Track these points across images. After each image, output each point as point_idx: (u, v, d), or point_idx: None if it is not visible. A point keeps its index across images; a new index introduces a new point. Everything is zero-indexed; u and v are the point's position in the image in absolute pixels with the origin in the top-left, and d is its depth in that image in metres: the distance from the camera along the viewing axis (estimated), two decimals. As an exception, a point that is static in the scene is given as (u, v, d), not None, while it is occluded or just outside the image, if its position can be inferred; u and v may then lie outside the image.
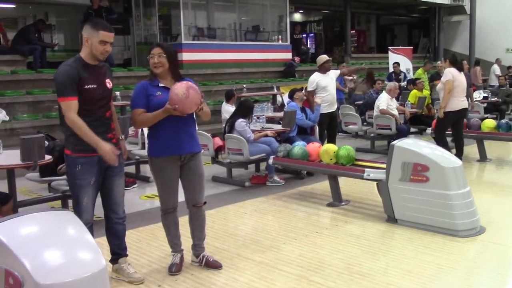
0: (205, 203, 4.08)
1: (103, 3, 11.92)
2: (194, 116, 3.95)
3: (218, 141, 7.26)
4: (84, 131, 3.45)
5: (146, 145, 4.05)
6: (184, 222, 4.18)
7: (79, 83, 3.45)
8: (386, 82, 13.37)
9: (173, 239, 4.07)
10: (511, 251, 4.46)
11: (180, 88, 3.57)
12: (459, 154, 7.49)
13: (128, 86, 10.96)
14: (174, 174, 3.86)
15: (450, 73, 7.29)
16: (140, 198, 6.52)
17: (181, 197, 4.04)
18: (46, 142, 5.27)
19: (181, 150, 3.81)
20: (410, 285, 3.71)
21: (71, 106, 3.44)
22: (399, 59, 14.88)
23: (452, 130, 7.76)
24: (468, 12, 20.04)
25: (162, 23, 13.54)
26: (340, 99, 11.41)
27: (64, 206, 5.36)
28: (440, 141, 7.43)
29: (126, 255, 3.95)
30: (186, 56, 12.74)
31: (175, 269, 3.97)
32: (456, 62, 7.56)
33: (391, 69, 14.93)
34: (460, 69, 7.56)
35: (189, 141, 3.84)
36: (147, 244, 4.67)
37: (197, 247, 4.12)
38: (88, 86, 3.49)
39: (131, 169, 7.41)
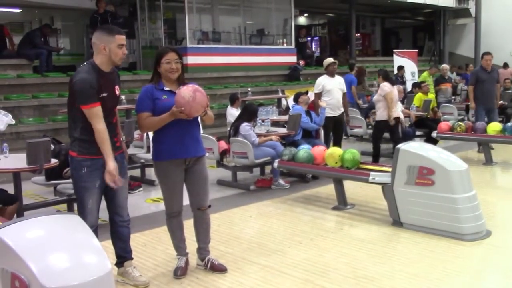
0: (209, 206, 4.07)
1: (108, 7, 11.98)
2: (199, 119, 3.95)
3: (223, 144, 7.26)
4: (105, 145, 3.50)
5: (151, 149, 4.03)
6: (189, 226, 4.18)
7: (98, 91, 3.48)
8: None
9: (178, 243, 4.07)
10: (518, 255, 4.44)
11: (186, 91, 3.57)
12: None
13: (133, 90, 10.99)
14: (179, 178, 3.86)
15: (386, 86, 7.90)
16: (145, 201, 6.53)
17: (185, 200, 4.03)
18: (52, 146, 5.29)
19: (185, 154, 3.80)
20: (415, 289, 3.70)
21: (96, 113, 3.46)
22: (404, 63, 14.85)
23: (390, 136, 8.27)
24: (474, 15, 19.99)
25: (167, 27, 13.58)
26: (351, 103, 11.43)
27: (70, 209, 5.37)
28: (375, 147, 8.17)
29: (132, 259, 3.96)
30: (191, 60, 12.77)
31: (180, 273, 3.97)
32: (388, 77, 8.35)
33: (407, 74, 14.89)
34: (392, 83, 8.37)
35: (193, 144, 3.83)
36: (152, 247, 4.67)
37: (202, 251, 4.11)
38: (103, 95, 3.53)
39: (136, 172, 7.42)
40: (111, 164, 3.51)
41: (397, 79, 13.44)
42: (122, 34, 3.59)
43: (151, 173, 7.83)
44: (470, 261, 4.29)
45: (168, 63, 3.70)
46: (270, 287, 3.77)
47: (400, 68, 14.08)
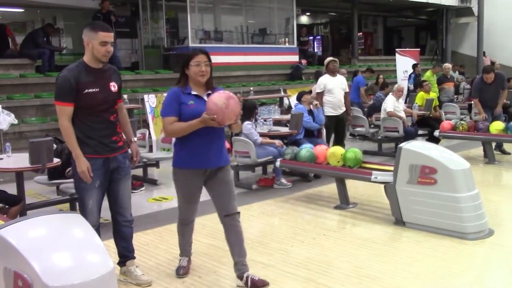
0: (238, 213, 3.75)
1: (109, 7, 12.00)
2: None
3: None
4: (69, 141, 3.52)
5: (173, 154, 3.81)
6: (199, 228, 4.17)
7: (78, 88, 3.48)
8: (410, 85, 13.36)
9: (185, 245, 4.02)
10: (520, 254, 4.43)
11: (220, 97, 3.36)
12: None
13: (135, 89, 11.02)
14: (197, 187, 3.70)
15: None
16: (147, 201, 6.54)
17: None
18: (54, 145, 5.30)
19: (208, 164, 3.61)
20: (418, 288, 3.70)
21: (64, 112, 3.50)
22: (406, 61, 14.82)
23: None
24: (476, 14, 19.93)
25: (169, 27, 13.59)
26: (358, 103, 11.44)
27: (73, 208, 5.38)
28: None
29: (134, 258, 3.97)
30: (193, 59, 12.73)
31: (182, 272, 3.96)
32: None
33: (399, 72, 14.87)
34: None
35: (218, 154, 3.64)
36: (154, 246, 4.67)
37: (239, 265, 3.72)
38: (90, 90, 3.52)
39: (138, 172, 7.43)
40: (79, 165, 3.50)
41: (415, 76, 13.36)
42: (107, 31, 3.53)
43: (153, 172, 7.85)
44: (473, 260, 4.29)
45: (197, 66, 3.52)
46: (272, 286, 3.76)
47: (415, 65, 14.03)
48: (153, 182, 7.38)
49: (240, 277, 3.71)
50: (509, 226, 5.10)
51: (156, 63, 13.22)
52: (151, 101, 9.65)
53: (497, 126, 8.01)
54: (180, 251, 4.07)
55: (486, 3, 19.51)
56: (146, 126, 9.47)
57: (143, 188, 7.04)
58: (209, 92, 3.57)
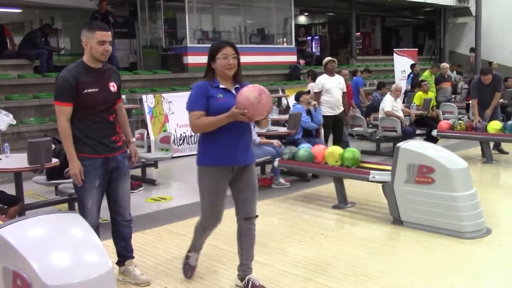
0: (256, 216, 3.67)
1: (107, 7, 12.01)
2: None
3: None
4: (65, 142, 3.54)
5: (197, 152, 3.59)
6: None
7: (78, 88, 3.50)
8: (407, 84, 13.39)
9: (199, 245, 3.90)
10: (518, 253, 4.45)
11: (251, 91, 3.19)
12: None
13: (133, 90, 11.02)
14: (223, 186, 3.53)
15: (312, 86, 8.15)
16: (146, 201, 6.55)
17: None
18: (53, 146, 5.31)
19: (235, 161, 3.46)
20: (416, 286, 3.71)
21: (63, 112, 3.51)
22: (404, 61, 14.85)
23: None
24: (474, 13, 19.98)
25: (167, 27, 13.60)
26: (357, 103, 11.47)
27: (71, 208, 5.39)
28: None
29: (133, 257, 3.97)
30: (191, 59, 12.78)
31: (190, 274, 3.89)
32: (316, 77, 8.73)
33: (397, 72, 14.90)
34: None
35: (245, 151, 3.49)
36: (153, 246, 4.68)
37: (245, 268, 3.69)
38: (89, 90, 3.53)
39: (137, 172, 7.44)
40: (72, 167, 3.52)
41: (414, 76, 13.39)
42: (104, 30, 3.54)
43: (151, 172, 7.86)
44: (470, 259, 4.30)
45: (225, 58, 3.35)
46: (270, 285, 3.77)
47: (413, 65, 14.06)
48: (152, 182, 7.39)
49: (241, 278, 3.68)
50: (506, 225, 5.12)
51: (154, 64, 13.23)
52: (149, 101, 9.66)
53: (495, 125, 8.03)
54: (191, 246, 3.91)
55: (483, 3, 19.55)
56: (145, 126, 9.48)
57: (141, 188, 7.05)
58: (237, 86, 3.43)
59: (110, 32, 3.59)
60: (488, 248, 4.51)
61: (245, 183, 3.54)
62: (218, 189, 3.49)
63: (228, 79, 3.44)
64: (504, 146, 8.81)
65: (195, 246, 3.90)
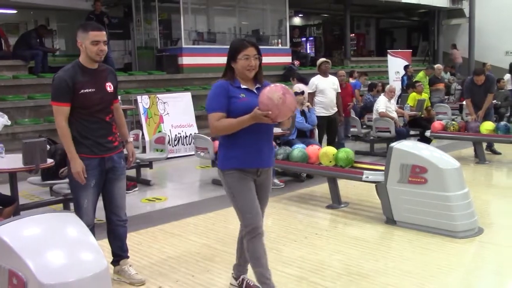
0: None
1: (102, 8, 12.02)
2: None
3: (218, 144, 7.29)
4: (65, 141, 3.55)
5: (218, 157, 3.44)
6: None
7: (74, 88, 3.51)
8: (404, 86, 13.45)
9: (265, 273, 3.37)
10: (510, 252, 4.49)
11: (275, 91, 3.03)
12: None
13: (128, 91, 11.03)
14: (253, 186, 3.32)
15: (298, 87, 8.14)
16: (141, 201, 6.56)
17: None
18: (48, 146, 5.32)
19: (261, 163, 3.31)
20: (409, 285, 3.74)
21: (61, 112, 3.53)
22: (398, 62, 14.93)
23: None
24: (467, 15, 20.09)
25: (162, 28, 13.61)
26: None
27: (66, 209, 5.40)
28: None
29: (128, 257, 3.99)
30: (186, 60, 12.81)
31: None
32: (302, 79, 9.24)
33: (391, 73, 14.97)
34: (306, 84, 8.51)
35: (269, 153, 3.37)
36: (148, 246, 4.70)
37: (241, 268, 3.65)
38: (85, 91, 3.55)
39: (131, 172, 7.44)
40: (74, 166, 3.54)
41: (408, 77, 13.45)
42: (98, 30, 3.55)
43: (146, 173, 7.87)
44: (463, 258, 4.35)
45: (247, 59, 3.19)
46: (265, 284, 3.80)
47: (407, 67, 14.13)
48: (147, 183, 7.40)
49: (236, 277, 3.66)
50: (498, 225, 5.17)
51: (149, 64, 13.24)
52: (144, 102, 9.67)
53: (487, 126, 8.10)
54: (258, 281, 3.42)
55: (477, 4, 19.67)
56: (139, 127, 9.49)
57: (136, 189, 7.06)
58: (258, 86, 3.29)
59: (104, 32, 3.61)
60: (480, 247, 4.56)
61: (265, 189, 3.43)
62: (248, 187, 3.29)
63: (249, 79, 3.28)
64: (497, 146, 8.88)
65: (262, 281, 3.37)
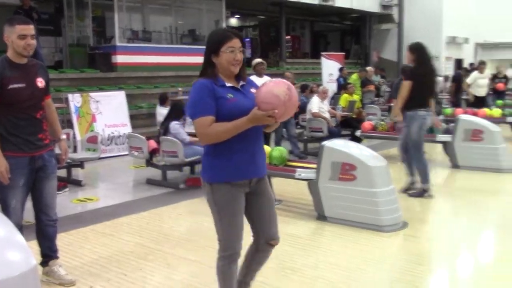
0: (278, 239, 3.14)
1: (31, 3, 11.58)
2: None
3: (152, 144, 7.25)
4: None
5: (204, 167, 2.92)
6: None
7: (2, 84, 3.40)
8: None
9: None
10: (430, 244, 4.76)
11: (280, 87, 2.66)
12: None
13: (59, 89, 10.70)
14: (242, 204, 2.91)
15: None
16: (71, 202, 6.39)
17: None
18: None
19: (256, 173, 2.89)
20: (337, 278, 3.89)
21: None
22: (332, 65, 15.36)
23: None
24: (397, 20, 20.98)
25: (95, 25, 13.32)
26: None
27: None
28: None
29: (57, 258, 3.90)
30: (120, 58, 12.59)
31: None
32: None
33: (325, 75, 15.38)
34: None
35: (263, 160, 2.97)
36: (79, 246, 4.60)
37: (245, 286, 3.21)
38: (14, 86, 3.44)
39: (62, 172, 7.23)
40: None
41: (344, 79, 13.84)
42: (24, 24, 3.46)
43: (77, 173, 7.68)
44: (388, 250, 4.57)
45: (231, 52, 2.76)
46: (199, 281, 3.84)
47: (342, 69, 14.55)
48: (78, 183, 7.22)
49: None
50: (420, 219, 5.47)
51: (81, 62, 12.90)
52: (76, 100, 9.42)
53: (413, 126, 8.48)
54: None
55: (406, 10, 20.59)
56: (70, 126, 9.24)
57: (67, 189, 6.87)
58: (243, 83, 2.88)
59: (31, 26, 3.50)
60: (404, 240, 4.80)
61: (265, 198, 2.99)
62: (238, 209, 2.88)
63: (231, 76, 2.83)
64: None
65: (228, 286, 3.02)
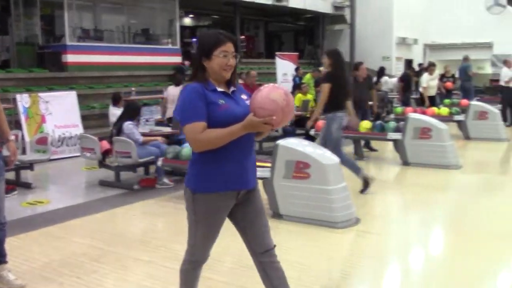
0: (275, 246, 2.97)
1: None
2: None
3: (105, 144, 7.12)
4: None
5: (191, 175, 2.80)
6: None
7: None
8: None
9: None
10: (382, 239, 4.89)
11: (277, 92, 2.56)
12: None
13: (6, 89, 10.37)
14: (224, 217, 2.84)
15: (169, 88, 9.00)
16: (21, 205, 6.20)
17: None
18: None
19: (246, 184, 2.77)
20: (292, 274, 3.91)
21: None
22: (286, 65, 15.51)
23: None
24: (349, 21, 21.38)
25: (44, 23, 12.97)
26: None
27: None
28: None
29: (6, 262, 3.78)
30: (71, 58, 12.32)
31: None
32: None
33: (279, 75, 15.50)
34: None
35: (253, 170, 2.85)
36: (29, 250, 4.48)
37: None
38: None
39: (10, 175, 7.00)
40: None
41: (299, 79, 13.96)
42: None
43: (26, 175, 7.45)
44: (342, 246, 4.67)
45: (225, 57, 2.65)
46: (153, 281, 3.80)
47: (298, 69, 14.69)
48: (27, 186, 7.01)
49: None
50: (372, 215, 5.60)
51: (30, 61, 12.53)
52: (24, 101, 9.14)
53: (365, 125, 8.69)
54: None
55: (358, 11, 21.03)
56: (19, 127, 8.95)
57: (15, 192, 6.65)
58: (234, 89, 2.76)
59: None
60: (357, 236, 4.91)
61: (256, 210, 2.87)
62: (218, 222, 2.80)
63: (222, 81, 2.72)
64: (373, 143, 9.57)
65: None
